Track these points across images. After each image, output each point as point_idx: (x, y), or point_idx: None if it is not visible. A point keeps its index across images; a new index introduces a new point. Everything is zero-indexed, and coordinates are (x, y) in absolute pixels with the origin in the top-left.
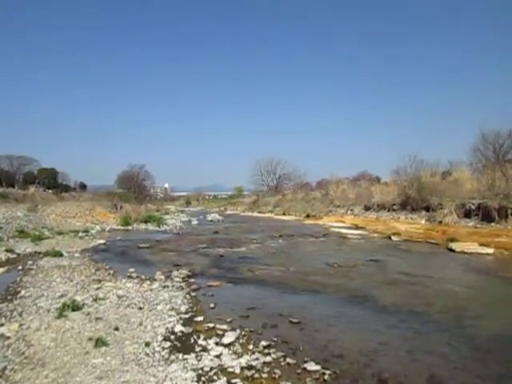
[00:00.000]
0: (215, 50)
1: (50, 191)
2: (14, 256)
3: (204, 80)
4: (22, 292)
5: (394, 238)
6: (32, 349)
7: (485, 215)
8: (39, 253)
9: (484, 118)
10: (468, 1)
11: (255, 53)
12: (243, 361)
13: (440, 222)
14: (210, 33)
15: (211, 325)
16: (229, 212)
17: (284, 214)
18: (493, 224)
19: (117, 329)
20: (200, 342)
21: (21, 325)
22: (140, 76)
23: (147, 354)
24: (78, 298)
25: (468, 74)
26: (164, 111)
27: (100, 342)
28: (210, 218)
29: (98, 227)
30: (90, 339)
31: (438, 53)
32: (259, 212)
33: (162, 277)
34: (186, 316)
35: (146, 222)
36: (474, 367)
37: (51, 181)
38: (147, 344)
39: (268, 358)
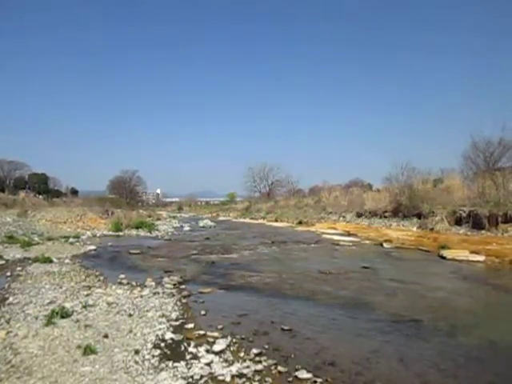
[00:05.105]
0: (210, 52)
1: (40, 196)
2: (3, 262)
3: (197, 85)
4: (10, 299)
5: (385, 244)
6: (19, 357)
7: (475, 223)
8: (28, 259)
9: (476, 126)
10: (465, 5)
11: (249, 56)
12: (234, 369)
13: (431, 229)
14: (208, 35)
15: (202, 332)
16: (221, 218)
17: (276, 221)
18: (483, 231)
19: (106, 336)
20: (190, 349)
21: (8, 332)
22: (133, 81)
23: (136, 362)
24: (67, 305)
25: (463, 80)
26: (156, 116)
27: (89, 350)
28: (201, 224)
29: (88, 233)
30: (79, 347)
31: (434, 57)
32: (251, 218)
33: (153, 283)
34: (177, 323)
35: (137, 227)
36: (465, 375)
37: (42, 186)
38: (137, 352)
39: (259, 366)
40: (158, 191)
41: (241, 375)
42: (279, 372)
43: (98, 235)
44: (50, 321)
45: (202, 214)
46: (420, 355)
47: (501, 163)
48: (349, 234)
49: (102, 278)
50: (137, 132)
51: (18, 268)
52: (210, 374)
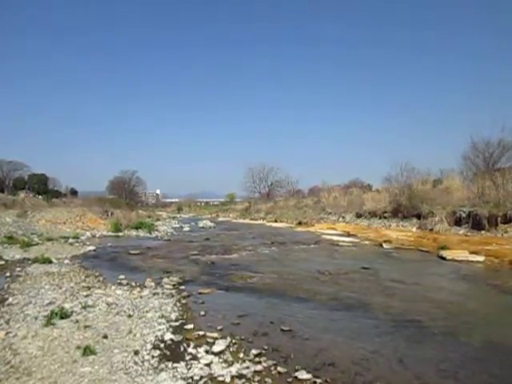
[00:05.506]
0: (210, 53)
1: (40, 197)
2: (2, 263)
3: (196, 86)
4: (10, 299)
5: (385, 245)
6: (18, 357)
7: (475, 223)
8: (28, 259)
9: (475, 126)
10: (465, 5)
11: (248, 57)
12: (234, 369)
13: (431, 229)
14: (208, 35)
15: (201, 333)
16: (221, 219)
17: (276, 221)
18: (483, 232)
19: (105, 337)
20: (190, 350)
21: (7, 333)
22: (133, 81)
23: (136, 363)
24: (67, 306)
25: (462, 81)
26: (157, 116)
27: (88, 351)
28: (201, 224)
29: (88, 233)
30: (78, 347)
31: (434, 57)
32: (251, 219)
33: (153, 284)
34: (176, 324)
35: (137, 228)
36: (465, 376)
37: (42, 186)
38: (136, 352)
39: (259, 367)
40: (158, 192)
41: (240, 376)
42: (279, 373)
43: (97, 236)
44: (49, 321)
45: (202, 214)
46: (420, 356)
47: (500, 164)
48: (348, 235)
49: (101, 278)
50: (137, 132)
51: (18, 268)
52: (210, 374)
